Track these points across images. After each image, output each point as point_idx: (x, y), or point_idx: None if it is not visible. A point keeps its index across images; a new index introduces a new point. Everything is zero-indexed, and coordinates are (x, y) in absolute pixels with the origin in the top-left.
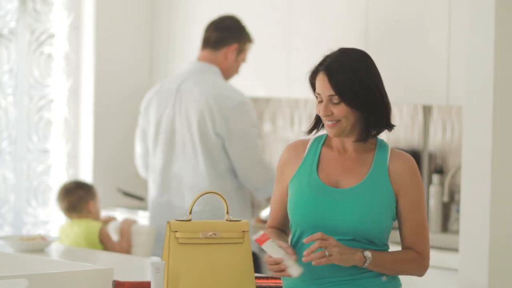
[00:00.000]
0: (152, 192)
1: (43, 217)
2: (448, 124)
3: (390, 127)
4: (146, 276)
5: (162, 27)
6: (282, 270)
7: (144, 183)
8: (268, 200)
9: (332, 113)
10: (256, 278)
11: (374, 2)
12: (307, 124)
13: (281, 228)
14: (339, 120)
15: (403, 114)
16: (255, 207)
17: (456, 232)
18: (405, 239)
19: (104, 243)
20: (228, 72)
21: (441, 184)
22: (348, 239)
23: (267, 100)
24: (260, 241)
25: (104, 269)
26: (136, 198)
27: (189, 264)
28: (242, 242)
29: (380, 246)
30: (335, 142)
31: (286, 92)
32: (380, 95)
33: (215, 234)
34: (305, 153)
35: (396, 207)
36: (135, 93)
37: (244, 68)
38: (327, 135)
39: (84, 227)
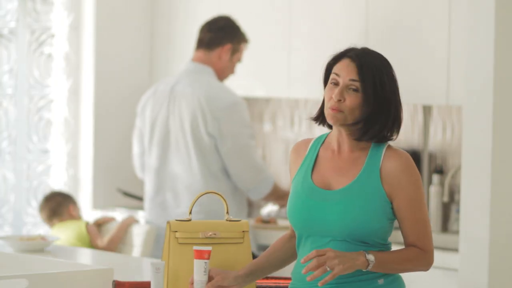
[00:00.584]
0: (148, 192)
1: (43, 221)
2: (448, 124)
3: (391, 136)
4: (146, 276)
5: (162, 27)
6: None
7: (143, 183)
8: (262, 201)
9: (345, 100)
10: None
11: (374, 2)
12: (307, 124)
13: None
14: (342, 112)
15: (403, 114)
16: (255, 207)
17: (456, 232)
18: (407, 237)
19: (90, 237)
20: (223, 72)
21: (441, 184)
22: (339, 240)
23: (267, 100)
24: (198, 255)
25: (104, 269)
26: (136, 198)
27: (189, 264)
28: (242, 242)
29: (375, 246)
30: (333, 142)
31: (286, 92)
32: (395, 102)
33: (215, 234)
34: (306, 154)
35: (393, 207)
36: (135, 93)
37: (244, 68)
38: (327, 135)
39: (73, 227)
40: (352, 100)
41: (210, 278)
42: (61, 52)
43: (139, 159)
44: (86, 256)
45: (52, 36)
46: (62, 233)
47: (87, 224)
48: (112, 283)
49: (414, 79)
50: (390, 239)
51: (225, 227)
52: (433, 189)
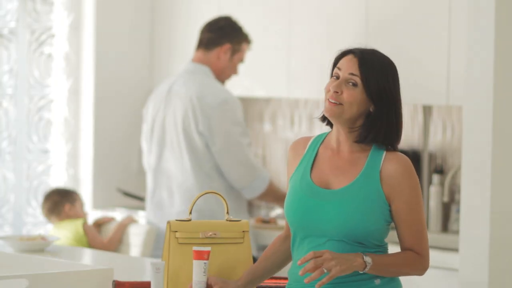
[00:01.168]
0: (148, 191)
1: (43, 217)
2: (448, 124)
3: (390, 143)
4: (146, 276)
5: (162, 27)
6: None
7: (144, 183)
8: (257, 200)
9: (342, 93)
10: None
11: (373, 2)
12: (307, 124)
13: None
14: (342, 104)
15: (403, 114)
16: (255, 206)
17: (456, 232)
18: (403, 241)
19: (87, 236)
20: (223, 72)
21: (441, 184)
22: (336, 240)
23: (267, 100)
24: (198, 255)
25: (104, 269)
26: (136, 198)
27: (189, 264)
28: (242, 242)
29: (370, 247)
30: (332, 141)
31: (286, 92)
32: (396, 108)
33: (215, 234)
34: (305, 152)
35: (391, 209)
36: (135, 93)
37: (244, 68)
38: (327, 134)
39: (69, 228)
40: (349, 94)
41: (208, 287)
42: (61, 52)
43: (147, 161)
44: (86, 256)
45: (52, 36)
46: (59, 233)
47: (84, 223)
48: (112, 283)
49: (414, 79)
50: (387, 239)
51: (225, 227)
52: (433, 189)
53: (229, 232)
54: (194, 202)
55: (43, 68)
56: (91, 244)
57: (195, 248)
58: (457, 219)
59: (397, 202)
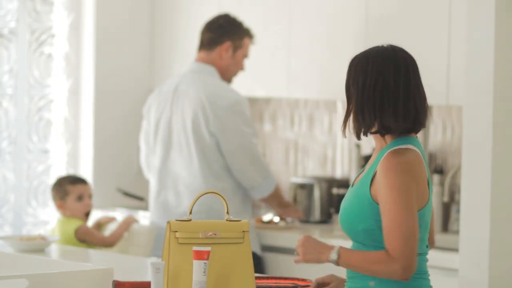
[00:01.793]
0: (152, 191)
1: (43, 217)
2: (448, 124)
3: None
4: (146, 276)
5: (163, 27)
6: None
7: (144, 183)
8: (263, 202)
9: None
10: (256, 278)
11: (373, 3)
12: (307, 124)
13: None
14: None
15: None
16: (255, 207)
17: (456, 232)
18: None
19: (87, 240)
20: (228, 70)
21: (441, 184)
22: (350, 239)
23: (267, 100)
24: (198, 255)
25: (104, 269)
26: (136, 198)
27: (189, 264)
28: (242, 242)
29: (372, 247)
30: None
31: (286, 92)
32: (353, 95)
33: (215, 234)
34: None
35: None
36: (135, 93)
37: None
38: None
39: (62, 231)
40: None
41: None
42: (61, 52)
43: (146, 161)
44: (86, 256)
45: (52, 36)
46: (57, 234)
47: (76, 230)
48: (112, 283)
49: None
50: None
51: (225, 227)
52: (433, 189)
53: (229, 232)
54: (194, 202)
55: (43, 68)
56: (93, 243)
57: (195, 248)
58: (457, 219)
59: (379, 201)
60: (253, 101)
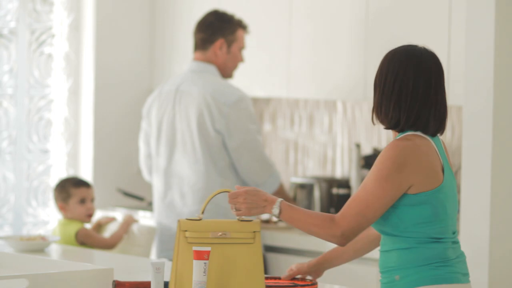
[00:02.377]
0: (156, 193)
1: (43, 217)
2: (448, 124)
3: (400, 128)
4: (146, 276)
5: (162, 27)
6: None
7: (144, 183)
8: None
9: None
10: (265, 278)
11: (374, 3)
12: (307, 124)
13: None
14: None
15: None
16: None
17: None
18: None
19: (87, 243)
20: (226, 66)
21: None
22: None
23: (267, 100)
24: (198, 255)
25: (104, 269)
26: (136, 198)
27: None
28: (252, 243)
29: (389, 235)
30: None
31: (286, 92)
32: (378, 89)
33: (225, 234)
34: None
35: None
36: (135, 93)
37: (244, 68)
38: None
39: (63, 233)
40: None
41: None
42: (61, 52)
43: (145, 162)
44: (86, 256)
45: (52, 36)
46: (59, 233)
47: (77, 233)
48: (112, 283)
49: None
50: None
51: (236, 227)
52: None
53: (240, 233)
54: (208, 202)
55: (43, 68)
56: (94, 245)
57: (195, 248)
58: (457, 219)
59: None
60: (253, 101)
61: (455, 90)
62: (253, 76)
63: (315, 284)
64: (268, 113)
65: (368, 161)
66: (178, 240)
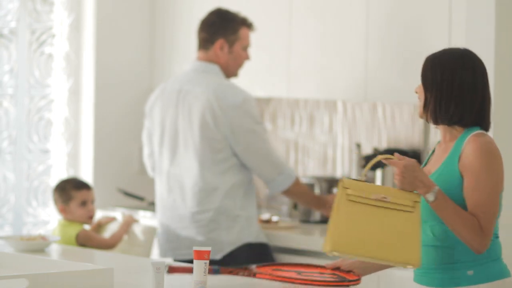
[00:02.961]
0: (159, 193)
1: (43, 217)
2: None
3: (464, 123)
4: (146, 276)
5: (162, 27)
6: None
7: (144, 183)
8: (286, 197)
9: (416, 92)
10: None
11: (374, 2)
12: (307, 124)
13: None
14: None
15: (403, 114)
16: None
17: None
18: (468, 207)
19: (87, 244)
20: (228, 66)
21: None
22: (431, 224)
23: (267, 100)
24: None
25: (104, 269)
26: (136, 198)
27: (356, 222)
28: (412, 212)
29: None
30: (442, 136)
31: (286, 92)
32: (436, 87)
33: (385, 198)
34: (428, 154)
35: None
36: (135, 93)
37: (244, 68)
38: None
39: (63, 234)
40: (419, 89)
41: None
42: (62, 52)
43: (149, 160)
44: (86, 256)
45: (53, 36)
46: (59, 234)
47: (77, 235)
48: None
49: (414, 79)
50: None
51: (398, 194)
52: None
53: (401, 199)
54: (369, 167)
55: (44, 68)
56: (95, 246)
57: (195, 248)
58: None
59: (464, 178)
60: None
61: None
62: (253, 76)
63: (359, 280)
64: (268, 113)
65: (368, 161)
66: (340, 197)
